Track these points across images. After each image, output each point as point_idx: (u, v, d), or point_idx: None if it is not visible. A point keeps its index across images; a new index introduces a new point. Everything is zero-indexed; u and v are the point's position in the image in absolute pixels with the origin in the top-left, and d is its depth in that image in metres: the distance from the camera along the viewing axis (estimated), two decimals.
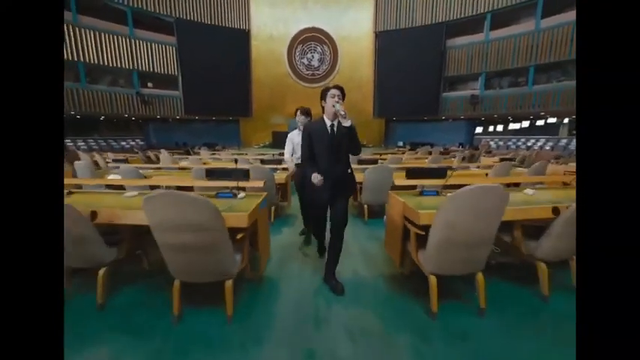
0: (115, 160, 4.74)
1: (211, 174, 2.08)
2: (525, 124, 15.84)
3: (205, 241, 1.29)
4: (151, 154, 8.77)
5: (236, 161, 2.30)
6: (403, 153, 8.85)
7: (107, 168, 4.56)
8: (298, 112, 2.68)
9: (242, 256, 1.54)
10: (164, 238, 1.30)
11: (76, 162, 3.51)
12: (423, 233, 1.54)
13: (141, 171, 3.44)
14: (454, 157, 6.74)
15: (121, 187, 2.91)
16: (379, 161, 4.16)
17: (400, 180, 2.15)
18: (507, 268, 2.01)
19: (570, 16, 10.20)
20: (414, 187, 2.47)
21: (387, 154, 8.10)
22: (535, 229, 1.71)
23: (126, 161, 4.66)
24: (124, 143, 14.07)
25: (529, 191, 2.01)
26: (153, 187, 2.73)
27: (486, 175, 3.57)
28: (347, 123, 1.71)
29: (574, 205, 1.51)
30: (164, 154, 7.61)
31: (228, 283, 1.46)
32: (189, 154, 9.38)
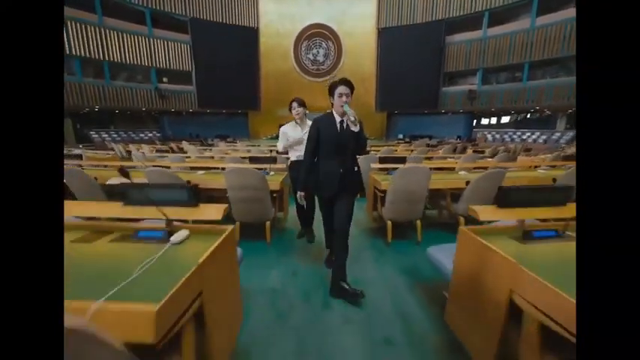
0: (158, 151, 5.82)
1: (253, 159, 3.10)
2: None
3: (257, 196, 2.30)
4: (173, 145, 9.81)
5: (270, 151, 3.32)
6: (399, 145, 9.72)
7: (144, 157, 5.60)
8: (295, 104, 2.45)
9: (274, 209, 2.56)
10: (234, 194, 2.31)
11: (134, 152, 4.57)
12: (383, 195, 2.53)
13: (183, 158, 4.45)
14: (441, 149, 7.61)
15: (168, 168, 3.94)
16: (371, 152, 5.11)
17: (376, 165, 3.15)
18: (445, 225, 3.06)
19: (563, 14, 10.73)
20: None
21: (383, 146, 8.96)
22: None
23: (168, 151, 5.74)
24: (142, 135, 15.18)
25: (462, 172, 2.96)
26: (193, 168, 3.73)
27: (456, 163, 4.50)
28: (355, 129, 1.66)
29: (477, 177, 2.47)
30: (187, 146, 8.63)
31: (268, 223, 2.51)
32: (202, 145, 10.40)
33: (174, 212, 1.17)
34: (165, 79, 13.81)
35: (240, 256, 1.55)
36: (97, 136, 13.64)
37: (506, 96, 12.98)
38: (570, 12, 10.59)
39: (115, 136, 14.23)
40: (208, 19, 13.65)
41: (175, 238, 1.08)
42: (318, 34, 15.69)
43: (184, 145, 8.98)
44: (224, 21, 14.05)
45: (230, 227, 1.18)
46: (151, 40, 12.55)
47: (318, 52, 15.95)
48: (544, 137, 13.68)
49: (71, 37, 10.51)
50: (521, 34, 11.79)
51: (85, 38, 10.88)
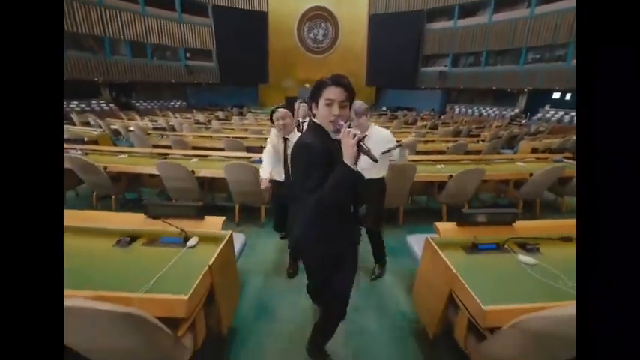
0: (155, 129, 8.94)
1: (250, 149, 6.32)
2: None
3: (253, 187, 2.71)
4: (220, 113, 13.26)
5: None
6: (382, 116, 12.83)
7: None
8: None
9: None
10: (233, 185, 2.95)
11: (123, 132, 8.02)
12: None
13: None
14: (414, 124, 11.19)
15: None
16: None
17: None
18: (427, 211, 3.50)
19: (513, 13, 13.50)
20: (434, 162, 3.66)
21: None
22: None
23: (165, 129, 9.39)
24: (172, 103, 18.31)
25: (440, 166, 3.42)
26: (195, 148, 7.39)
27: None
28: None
29: (458, 173, 2.91)
30: (221, 114, 12.10)
31: (262, 207, 3.08)
32: (241, 115, 13.80)
33: (185, 224, 1.55)
34: (188, 55, 16.60)
35: (243, 242, 1.91)
36: (139, 104, 16.83)
37: (470, 77, 16.13)
38: (518, 12, 13.37)
39: (153, 104, 17.35)
40: (227, 5, 16.08)
41: (190, 243, 1.44)
42: (318, 15, 18.06)
43: (218, 114, 12.43)
44: (240, 6, 16.46)
45: (228, 234, 1.52)
46: (181, 24, 15.19)
47: (318, 32, 18.46)
48: (497, 112, 17.07)
49: (124, 24, 13.29)
50: (481, 27, 14.58)
51: (133, 25, 13.64)
